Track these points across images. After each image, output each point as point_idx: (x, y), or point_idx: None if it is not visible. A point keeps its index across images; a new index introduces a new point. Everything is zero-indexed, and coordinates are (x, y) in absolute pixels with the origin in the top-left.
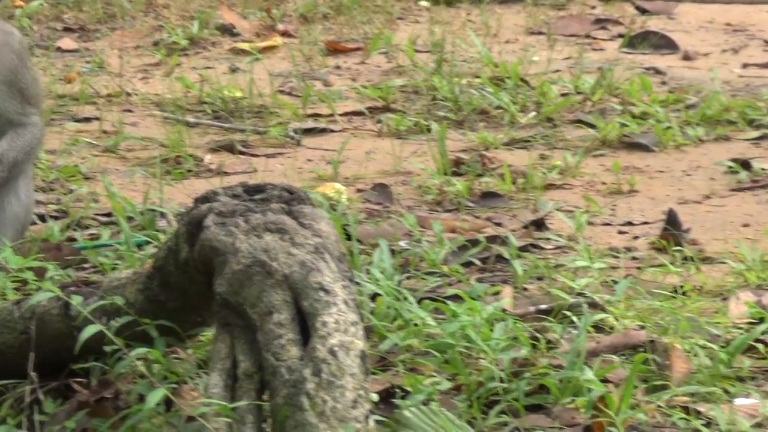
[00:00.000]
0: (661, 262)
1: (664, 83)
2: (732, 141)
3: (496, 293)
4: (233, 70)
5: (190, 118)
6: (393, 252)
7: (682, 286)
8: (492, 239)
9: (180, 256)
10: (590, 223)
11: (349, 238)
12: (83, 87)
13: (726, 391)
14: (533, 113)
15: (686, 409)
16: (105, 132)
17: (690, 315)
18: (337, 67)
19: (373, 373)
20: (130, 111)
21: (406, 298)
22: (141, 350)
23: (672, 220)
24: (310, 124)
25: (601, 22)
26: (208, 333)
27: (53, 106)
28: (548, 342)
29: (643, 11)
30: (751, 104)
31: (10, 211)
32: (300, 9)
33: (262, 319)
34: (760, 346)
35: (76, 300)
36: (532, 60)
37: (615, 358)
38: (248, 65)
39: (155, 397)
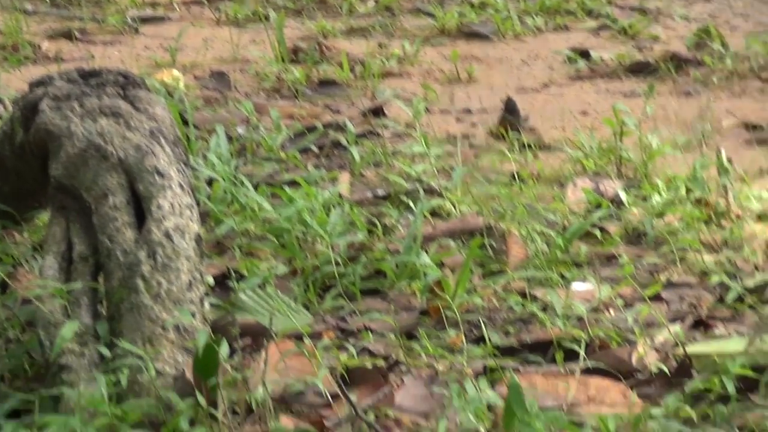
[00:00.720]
0: (498, 149)
1: None
2: (571, 30)
3: (333, 179)
4: None
5: (28, 6)
6: (230, 138)
7: (519, 173)
8: (329, 126)
9: (15, 141)
10: (428, 111)
11: (186, 124)
12: None
13: (562, 276)
14: (372, 2)
15: (523, 294)
16: None
17: (527, 201)
18: None
19: (210, 257)
20: None
21: (242, 184)
22: None
23: (510, 108)
24: (148, 12)
25: None
26: (44, 216)
27: None
28: (385, 227)
29: None
30: None
31: None
32: None
33: (98, 202)
34: (596, 231)
35: None
36: None
37: (451, 243)
38: None
39: None
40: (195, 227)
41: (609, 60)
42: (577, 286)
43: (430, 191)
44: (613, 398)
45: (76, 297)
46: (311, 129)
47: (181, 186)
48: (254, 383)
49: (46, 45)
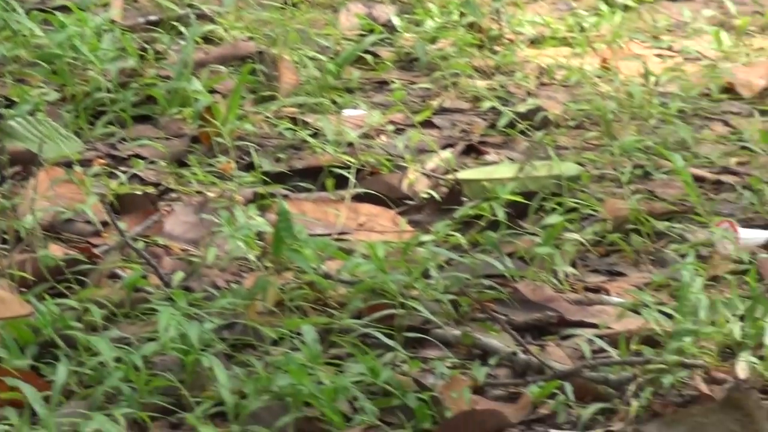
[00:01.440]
0: None
1: None
2: None
3: (105, 5)
4: None
5: None
6: None
7: None
8: None
9: None
10: None
11: None
12: None
13: (334, 102)
14: None
15: (294, 120)
16: None
17: (300, 27)
18: None
19: None
20: None
21: (14, 9)
22: None
23: None
24: None
25: None
26: None
27: None
28: (157, 53)
29: None
30: None
31: None
32: None
33: None
34: (369, 57)
35: None
36: None
37: (223, 69)
38: None
39: None
40: None
41: None
42: (348, 112)
43: (202, 16)
44: (383, 225)
45: None
46: None
47: None
48: (23, 211)
49: None
